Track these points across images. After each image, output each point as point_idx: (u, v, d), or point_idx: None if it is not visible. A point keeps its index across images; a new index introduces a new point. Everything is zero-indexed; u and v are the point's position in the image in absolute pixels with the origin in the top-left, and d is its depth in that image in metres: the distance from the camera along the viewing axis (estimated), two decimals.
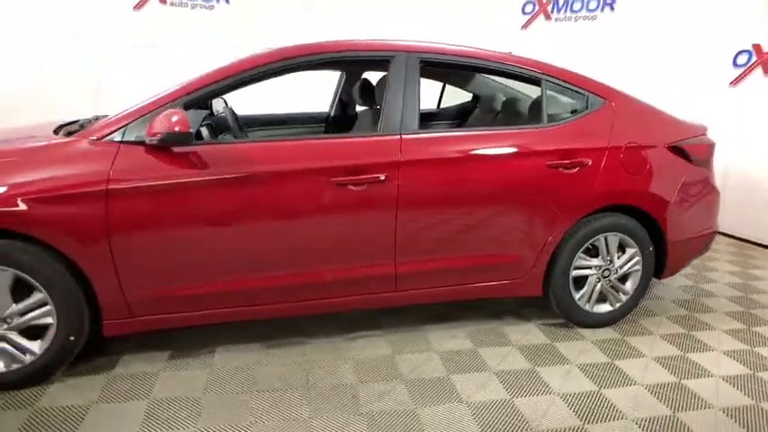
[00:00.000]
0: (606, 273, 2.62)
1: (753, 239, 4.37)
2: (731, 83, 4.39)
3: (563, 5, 5.68)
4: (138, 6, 5.52)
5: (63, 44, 5.19)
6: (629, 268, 2.65)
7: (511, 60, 2.49)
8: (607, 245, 2.58)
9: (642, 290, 2.71)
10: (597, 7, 5.42)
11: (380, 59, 2.34)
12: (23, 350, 1.96)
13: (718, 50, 4.41)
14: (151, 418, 1.85)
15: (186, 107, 2.04)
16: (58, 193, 1.85)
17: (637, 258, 2.64)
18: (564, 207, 2.42)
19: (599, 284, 2.63)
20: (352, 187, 2.14)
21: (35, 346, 1.97)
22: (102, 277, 1.96)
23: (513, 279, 2.51)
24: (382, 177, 2.16)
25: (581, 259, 2.56)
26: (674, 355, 2.46)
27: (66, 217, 1.87)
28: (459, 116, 3.74)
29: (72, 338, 1.99)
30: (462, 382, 2.16)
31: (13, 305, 1.91)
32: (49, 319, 1.95)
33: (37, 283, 1.90)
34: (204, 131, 2.45)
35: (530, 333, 2.63)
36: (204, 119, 2.39)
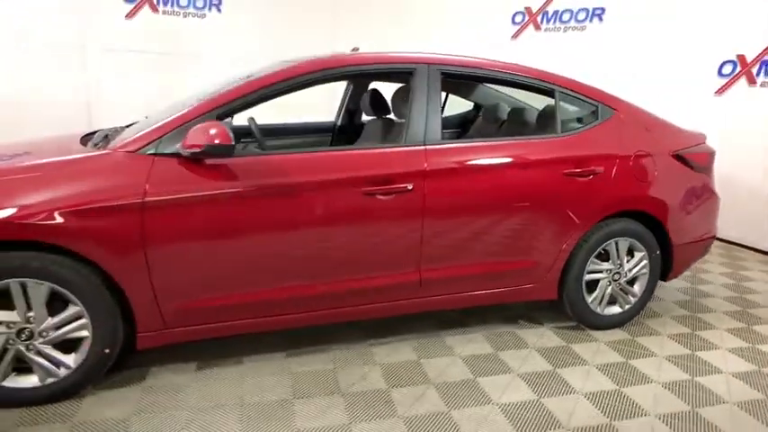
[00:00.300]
0: (616, 276, 2.73)
1: (739, 242, 4.57)
2: (716, 92, 4.60)
3: (552, 16, 5.86)
4: (130, 15, 5.49)
5: (56, 51, 5.12)
6: (638, 271, 2.76)
7: (526, 72, 2.59)
8: (617, 249, 2.69)
9: (650, 292, 2.83)
10: (586, 18, 5.60)
11: (403, 71, 2.40)
12: (58, 364, 1.95)
13: (704, 60, 4.61)
14: (192, 428, 1.86)
15: (218, 119, 2.06)
16: (95, 205, 1.85)
17: (645, 262, 2.75)
18: (579, 213, 2.52)
19: (610, 287, 2.74)
20: (380, 197, 2.19)
21: (70, 360, 1.96)
22: (138, 290, 1.97)
23: (531, 284, 2.59)
24: (409, 187, 2.22)
25: (593, 264, 2.66)
26: (684, 354, 2.58)
27: (103, 230, 1.87)
28: (460, 125, 3.82)
29: (107, 351, 1.98)
30: (489, 385, 2.23)
31: (49, 319, 1.90)
32: (84, 333, 1.94)
33: (73, 297, 1.89)
34: None
35: (545, 336, 2.71)
36: None
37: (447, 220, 2.33)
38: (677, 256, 2.82)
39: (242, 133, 3.30)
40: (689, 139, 2.87)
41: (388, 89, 3.12)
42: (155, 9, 5.58)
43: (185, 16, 5.76)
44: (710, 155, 2.91)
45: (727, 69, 4.52)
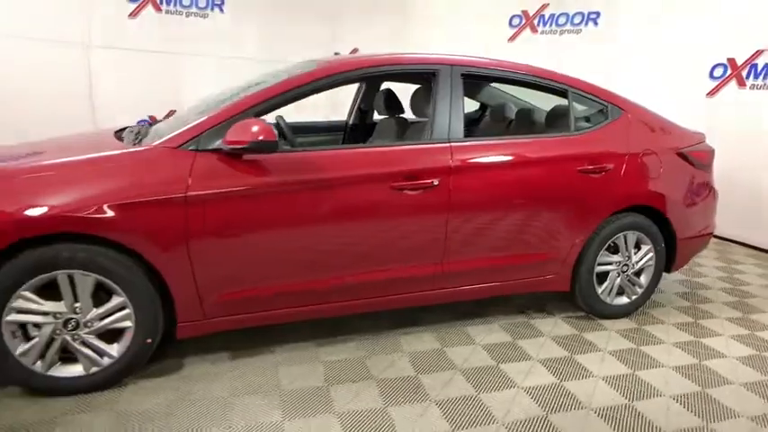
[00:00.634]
0: (625, 268, 2.87)
1: (730, 237, 4.77)
2: (708, 93, 4.80)
3: (549, 19, 6.02)
4: (133, 14, 5.50)
5: (59, 50, 5.11)
6: (644, 264, 2.91)
7: (541, 73, 2.71)
8: (626, 242, 2.83)
9: (655, 283, 2.98)
10: (581, 22, 5.78)
11: (427, 72, 2.51)
12: (101, 353, 2.01)
13: (696, 63, 4.81)
14: (234, 413, 1.94)
15: (256, 116, 2.14)
16: (141, 199, 1.92)
17: (651, 254, 2.90)
18: (592, 208, 2.66)
19: (618, 279, 2.87)
20: (408, 192, 2.29)
21: (113, 350, 2.02)
22: (180, 280, 2.03)
23: (546, 276, 2.72)
24: (435, 182, 2.32)
25: (604, 256, 2.80)
26: (690, 341, 2.72)
27: (149, 223, 1.94)
28: (466, 125, 3.93)
29: (149, 341, 2.05)
30: (512, 370, 2.34)
31: (94, 309, 1.96)
32: (127, 323, 2.01)
33: (118, 288, 1.96)
34: None
35: (557, 325, 2.84)
36: None
37: (470, 214, 2.44)
38: (681, 250, 2.97)
39: None
40: (691, 138, 3.03)
41: (397, 89, 3.23)
42: (158, 8, 5.59)
43: (188, 16, 5.78)
44: (711, 153, 3.07)
45: (719, 72, 4.72)
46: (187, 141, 2.05)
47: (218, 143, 2.04)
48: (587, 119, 2.91)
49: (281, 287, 2.21)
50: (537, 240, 2.61)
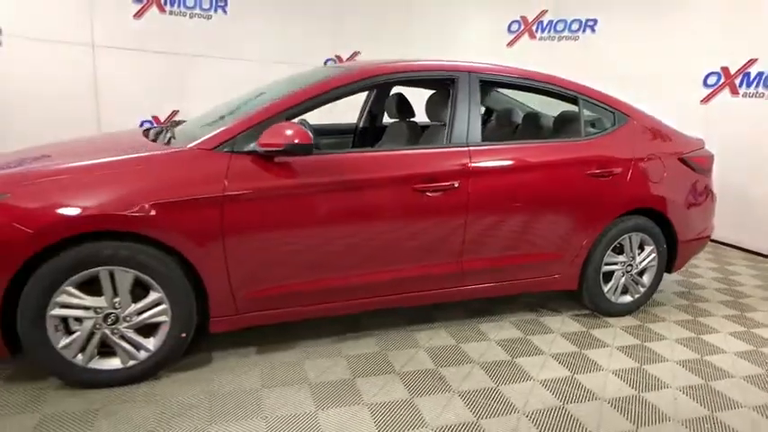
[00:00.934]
0: (629, 268, 3.01)
1: (723, 240, 4.95)
2: (702, 100, 4.98)
3: (547, 26, 6.18)
4: (137, 15, 5.54)
5: (63, 50, 5.13)
6: (648, 264, 3.05)
7: (553, 80, 2.84)
8: (631, 243, 2.97)
9: (657, 282, 3.12)
10: (579, 29, 5.94)
11: (446, 79, 2.62)
12: (138, 347, 2.08)
13: (691, 71, 4.99)
14: (269, 404, 2.03)
15: (287, 119, 2.23)
16: (181, 199, 2.00)
17: (653, 255, 3.04)
18: (600, 210, 2.79)
19: (623, 278, 3.01)
20: (429, 194, 2.40)
21: (150, 344, 2.10)
22: (215, 277, 2.12)
23: (556, 275, 2.84)
24: (456, 185, 2.44)
25: (610, 256, 2.93)
26: (690, 337, 2.87)
27: (188, 221, 2.02)
28: None
29: (183, 335, 2.13)
30: (526, 364, 2.46)
31: (133, 305, 2.04)
32: (163, 318, 2.09)
33: (156, 284, 2.03)
34: None
35: (566, 323, 2.97)
36: None
37: (487, 215, 2.55)
38: (682, 251, 3.12)
39: None
40: (692, 143, 3.18)
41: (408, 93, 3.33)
42: (162, 9, 5.64)
43: (191, 17, 5.83)
44: (710, 158, 3.23)
45: (712, 80, 4.90)
46: (222, 143, 2.13)
47: (252, 145, 2.13)
48: (593, 124, 3.04)
49: (310, 284, 2.30)
50: (549, 241, 2.73)
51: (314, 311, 2.38)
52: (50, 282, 1.89)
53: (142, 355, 2.09)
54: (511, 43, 6.46)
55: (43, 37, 4.98)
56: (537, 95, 3.15)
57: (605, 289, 2.97)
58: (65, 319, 1.98)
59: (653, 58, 5.25)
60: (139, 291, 2.05)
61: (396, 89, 3.57)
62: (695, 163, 3.10)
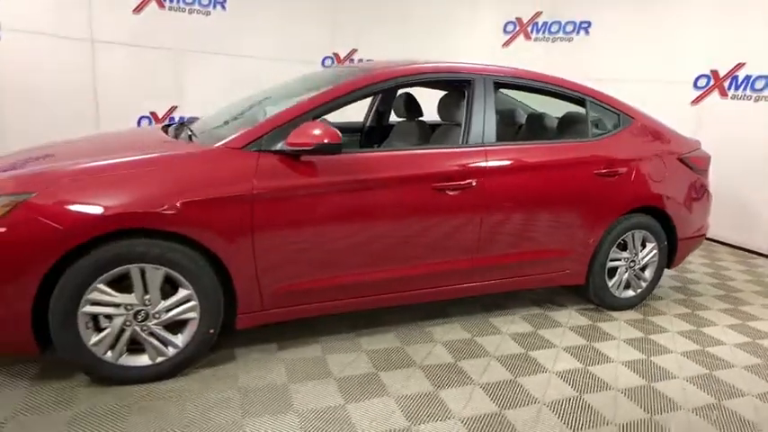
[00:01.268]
0: (632, 264, 3.13)
1: (712, 237, 5.13)
2: (692, 102, 5.15)
3: (542, 27, 6.30)
4: (137, 10, 5.49)
5: (62, 45, 5.07)
6: (649, 260, 3.17)
7: (562, 83, 2.93)
8: (634, 240, 3.08)
9: (657, 277, 3.25)
10: (573, 30, 6.07)
11: (463, 81, 2.68)
12: (167, 343, 2.11)
13: (682, 73, 5.15)
14: (299, 399, 2.07)
15: (313, 119, 2.27)
16: (212, 196, 2.03)
17: (655, 251, 3.16)
18: (607, 208, 2.90)
19: (626, 274, 3.13)
20: (448, 192, 2.47)
21: (178, 340, 2.12)
22: (243, 273, 2.15)
23: (565, 270, 2.94)
24: (473, 183, 2.51)
25: (614, 252, 3.04)
26: (691, 330, 3.00)
27: (218, 219, 2.05)
28: None
29: (211, 332, 2.16)
30: (540, 357, 2.55)
31: (162, 302, 2.06)
32: (192, 314, 2.11)
33: (185, 281, 2.06)
34: None
35: (573, 317, 3.07)
36: None
37: (501, 213, 2.63)
38: (681, 247, 3.25)
39: None
40: (690, 144, 3.31)
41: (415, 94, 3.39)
42: (161, 5, 5.60)
43: (191, 13, 5.79)
44: (707, 159, 3.36)
45: (702, 82, 5.07)
46: (250, 142, 2.16)
47: (280, 144, 2.17)
48: (596, 125, 3.14)
49: (333, 280, 2.35)
50: (560, 237, 2.83)
51: (336, 307, 2.43)
52: (83, 279, 1.90)
53: (170, 351, 2.12)
54: (506, 43, 6.56)
55: (42, 31, 4.91)
56: (535, 96, 3.25)
57: (610, 284, 3.08)
58: (94, 317, 2.00)
59: (645, 60, 5.41)
60: (167, 288, 2.08)
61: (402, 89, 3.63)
62: (693, 163, 3.23)
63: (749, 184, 4.79)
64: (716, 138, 4.94)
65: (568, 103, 3.14)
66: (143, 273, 2.00)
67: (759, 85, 4.68)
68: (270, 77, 5.89)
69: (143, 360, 2.10)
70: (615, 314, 3.15)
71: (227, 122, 2.63)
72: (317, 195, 2.23)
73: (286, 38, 6.20)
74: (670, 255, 3.28)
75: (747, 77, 4.77)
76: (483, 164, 2.55)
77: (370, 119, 3.96)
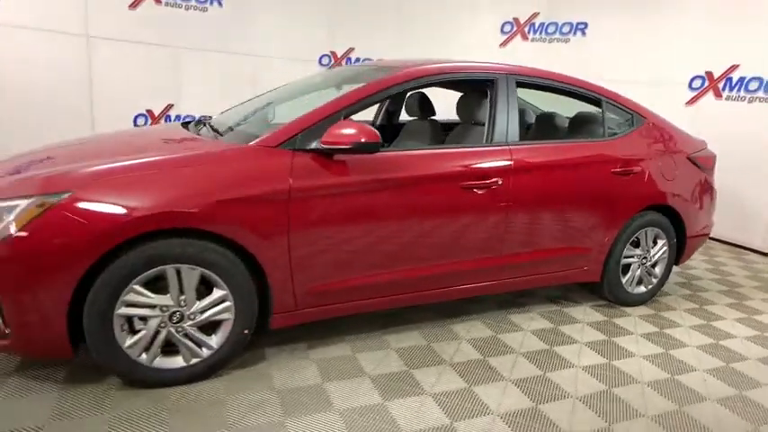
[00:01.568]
0: (644, 260, 3.20)
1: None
2: (687, 102, 5.28)
3: (539, 28, 6.38)
4: (133, 6, 5.38)
5: (57, 41, 4.94)
6: (660, 257, 3.24)
7: (580, 83, 2.98)
8: (646, 237, 3.15)
9: (667, 274, 3.33)
10: (570, 31, 6.16)
11: (487, 80, 2.70)
12: (201, 345, 2.08)
13: (677, 74, 5.27)
14: (337, 398, 2.07)
15: (346, 117, 2.26)
16: (249, 195, 2.01)
17: (665, 248, 3.24)
18: (623, 206, 2.96)
19: (639, 270, 3.20)
20: (476, 190, 2.49)
21: (212, 341, 2.10)
22: (279, 273, 2.14)
23: (583, 267, 2.99)
24: (500, 182, 2.53)
25: (628, 250, 3.11)
26: (702, 324, 3.08)
27: (255, 218, 2.03)
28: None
29: (246, 332, 2.14)
30: (565, 352, 2.59)
31: (198, 302, 2.03)
32: (226, 315, 2.09)
33: (221, 281, 2.04)
34: None
35: (588, 313, 3.13)
36: None
37: (525, 211, 2.66)
38: (689, 244, 3.33)
39: None
40: (697, 144, 3.40)
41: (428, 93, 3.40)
42: (158, 0, 5.50)
43: (187, 9, 5.70)
44: (713, 158, 3.46)
45: (697, 83, 5.20)
46: (285, 141, 2.15)
47: (315, 143, 2.16)
48: (610, 125, 3.20)
49: (364, 278, 2.35)
50: (579, 235, 2.88)
51: (366, 306, 2.43)
52: (119, 280, 1.87)
53: (205, 352, 2.09)
54: (503, 44, 6.62)
55: (37, 26, 4.78)
56: (539, 95, 3.29)
57: (623, 280, 3.15)
58: (129, 319, 1.96)
59: (641, 61, 5.52)
60: (201, 288, 2.05)
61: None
62: (701, 162, 3.31)
63: (744, 183, 4.93)
64: (710, 138, 5.04)
65: (569, 104, 3.19)
66: (178, 273, 1.97)
67: (753, 86, 4.82)
68: (266, 75, 5.87)
69: (177, 362, 2.06)
70: (628, 310, 3.21)
71: (249, 119, 2.61)
72: (351, 194, 2.23)
73: (283, 35, 6.16)
74: (678, 252, 3.36)
75: (741, 79, 4.91)
76: (508, 163, 2.58)
77: (380, 117, 3.96)
